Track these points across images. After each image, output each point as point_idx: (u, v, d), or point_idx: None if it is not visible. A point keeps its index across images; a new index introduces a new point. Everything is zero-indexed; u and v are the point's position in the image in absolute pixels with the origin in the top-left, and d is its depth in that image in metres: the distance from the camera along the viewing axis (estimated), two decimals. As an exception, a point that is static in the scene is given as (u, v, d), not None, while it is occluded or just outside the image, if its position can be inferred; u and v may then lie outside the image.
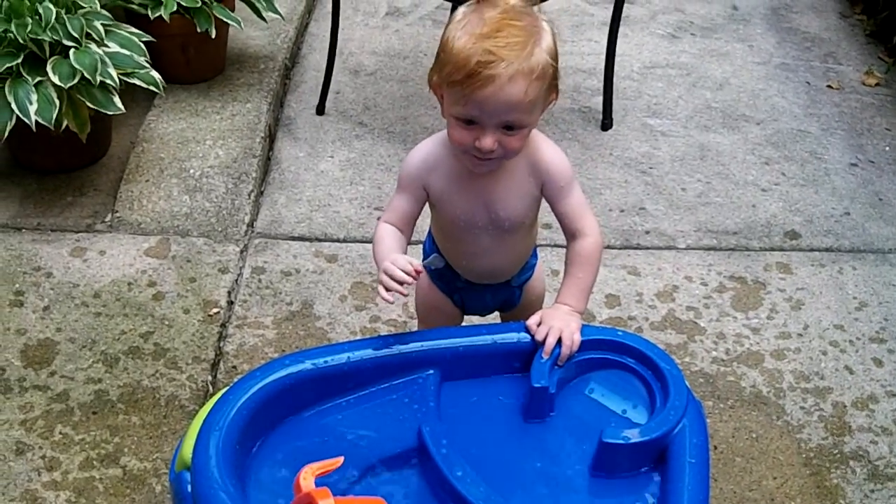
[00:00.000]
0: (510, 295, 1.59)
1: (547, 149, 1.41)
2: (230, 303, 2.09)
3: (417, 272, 1.30)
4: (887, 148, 2.72)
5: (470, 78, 1.24)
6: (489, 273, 1.54)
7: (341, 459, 1.11)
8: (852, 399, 1.95)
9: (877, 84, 2.98)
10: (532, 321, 1.36)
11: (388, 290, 1.29)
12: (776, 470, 1.80)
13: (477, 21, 1.26)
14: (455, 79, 1.25)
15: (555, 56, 1.30)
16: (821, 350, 2.06)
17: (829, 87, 2.98)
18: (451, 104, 1.31)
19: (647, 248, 2.32)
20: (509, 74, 1.24)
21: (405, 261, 1.30)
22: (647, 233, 2.37)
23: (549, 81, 1.30)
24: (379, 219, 1.45)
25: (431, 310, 1.59)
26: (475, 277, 1.54)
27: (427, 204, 1.46)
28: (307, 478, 1.08)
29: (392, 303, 1.32)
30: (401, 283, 1.28)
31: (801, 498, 1.75)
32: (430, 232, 1.57)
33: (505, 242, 1.47)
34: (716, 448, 1.82)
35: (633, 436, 1.23)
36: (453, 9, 2.90)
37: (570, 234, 1.43)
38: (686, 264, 2.28)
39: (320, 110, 2.74)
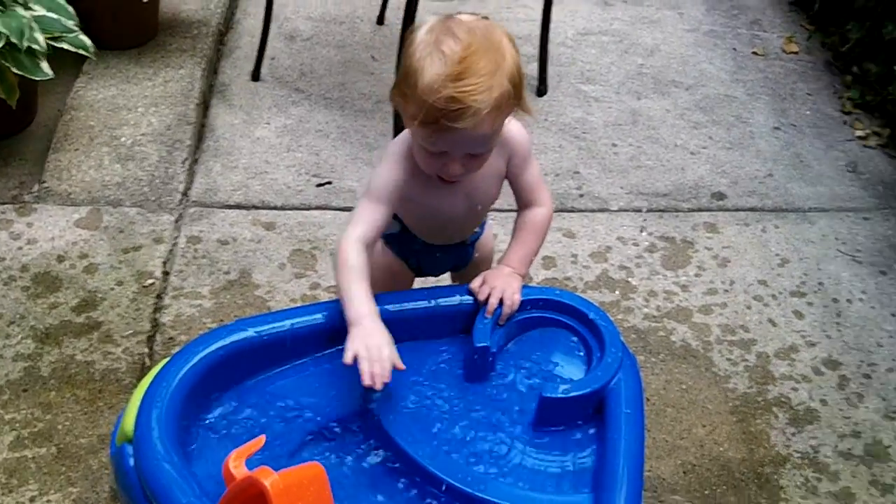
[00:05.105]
0: (464, 253, 1.61)
1: (509, 124, 1.37)
2: (166, 273, 2.06)
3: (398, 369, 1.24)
4: (808, 112, 2.83)
5: (437, 123, 1.22)
6: (450, 237, 1.56)
7: (263, 438, 1.10)
8: (775, 350, 2.06)
9: (796, 52, 3.08)
10: (475, 283, 1.40)
11: (371, 378, 1.20)
12: (705, 418, 1.89)
13: (438, 56, 1.21)
14: (422, 120, 1.23)
15: (518, 72, 1.25)
16: (745, 304, 2.16)
17: (754, 53, 3.07)
18: (417, 134, 1.29)
19: (582, 211, 2.37)
20: (477, 119, 1.22)
21: (389, 355, 1.22)
22: (582, 196, 2.42)
23: (513, 100, 1.27)
24: (345, 233, 1.33)
25: (386, 273, 1.57)
26: (434, 241, 1.55)
27: None
28: (238, 465, 1.06)
29: (378, 389, 1.21)
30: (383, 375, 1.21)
31: (729, 443, 1.85)
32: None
33: (475, 217, 1.51)
34: (648, 400, 1.89)
35: (572, 390, 1.28)
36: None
37: (525, 204, 1.47)
38: (619, 226, 2.34)
39: (255, 76, 2.70)
